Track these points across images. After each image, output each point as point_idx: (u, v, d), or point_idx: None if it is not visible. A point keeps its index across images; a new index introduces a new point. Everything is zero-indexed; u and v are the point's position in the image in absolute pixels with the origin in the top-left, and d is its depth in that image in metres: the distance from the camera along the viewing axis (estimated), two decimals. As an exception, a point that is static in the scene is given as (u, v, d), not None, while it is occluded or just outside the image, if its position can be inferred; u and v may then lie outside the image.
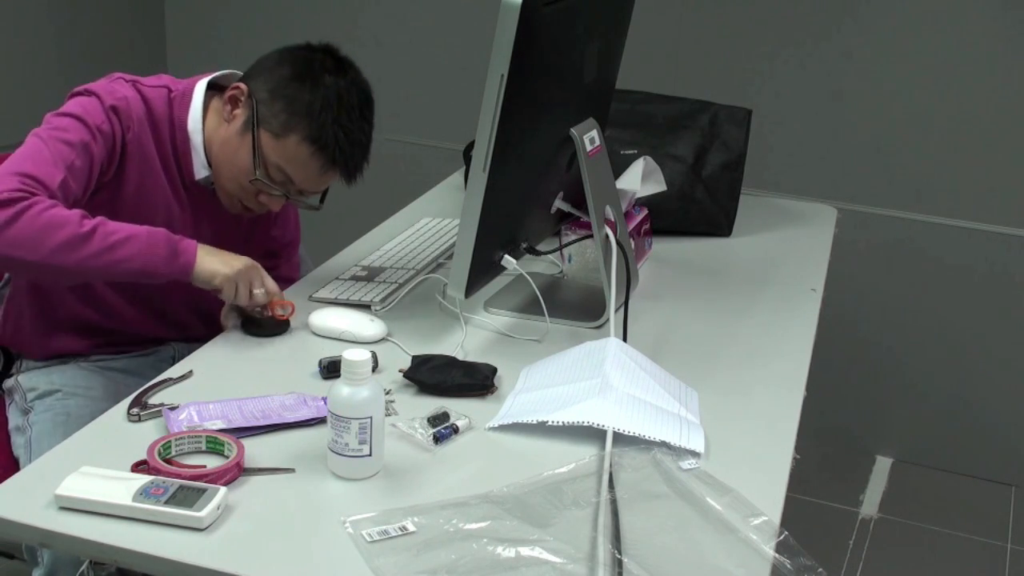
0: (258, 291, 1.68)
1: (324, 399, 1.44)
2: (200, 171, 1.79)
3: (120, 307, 1.85)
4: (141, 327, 1.90)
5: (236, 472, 1.33)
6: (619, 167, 1.98)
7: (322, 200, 1.85)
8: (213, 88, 1.81)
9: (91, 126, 1.67)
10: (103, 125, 1.68)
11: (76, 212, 1.58)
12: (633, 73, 2.29)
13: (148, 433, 1.42)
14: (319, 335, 1.72)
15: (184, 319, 1.91)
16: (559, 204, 1.83)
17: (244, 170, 1.74)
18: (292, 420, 1.45)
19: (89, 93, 1.71)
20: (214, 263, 1.65)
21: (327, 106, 1.71)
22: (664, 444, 1.41)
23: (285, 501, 1.30)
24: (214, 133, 1.78)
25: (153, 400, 1.50)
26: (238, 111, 1.75)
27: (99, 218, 1.60)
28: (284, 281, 1.99)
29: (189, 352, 1.68)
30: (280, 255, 2.03)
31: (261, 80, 1.75)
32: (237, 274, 1.66)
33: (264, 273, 1.70)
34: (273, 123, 1.72)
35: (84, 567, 1.49)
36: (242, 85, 1.75)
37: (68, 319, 1.85)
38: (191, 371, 1.60)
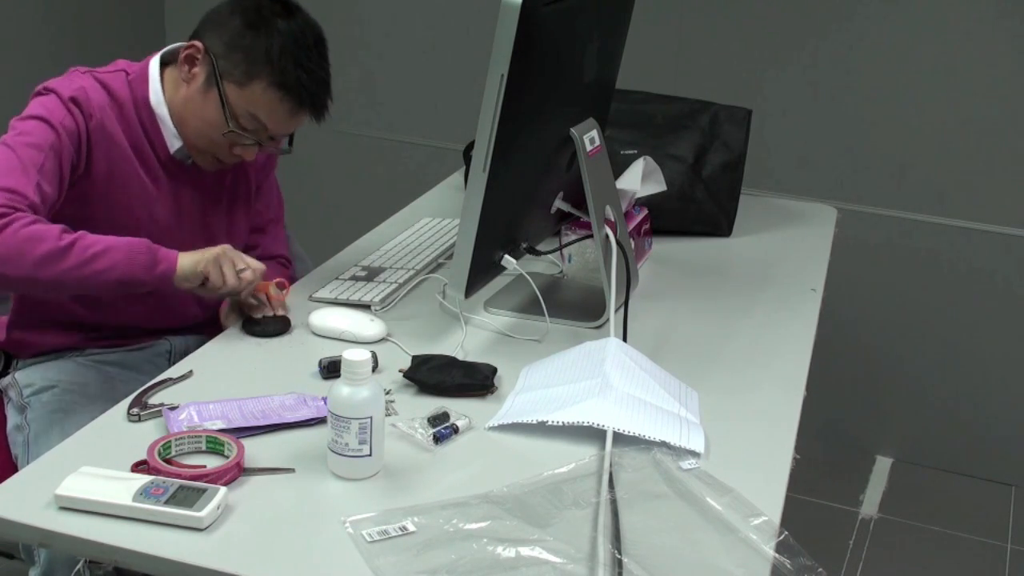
0: (246, 271, 1.68)
1: (324, 399, 1.44)
2: (173, 143, 1.80)
3: (116, 301, 1.85)
4: (138, 320, 1.90)
5: (236, 472, 1.33)
6: (619, 167, 1.98)
7: (290, 143, 1.86)
8: (165, 64, 1.82)
9: (55, 125, 1.67)
10: (65, 120, 1.69)
11: (56, 227, 1.59)
12: (633, 73, 2.29)
13: (148, 433, 1.42)
14: (319, 335, 1.72)
15: (183, 307, 1.90)
16: (559, 204, 1.83)
17: (214, 124, 1.75)
18: (292, 420, 1.45)
19: (48, 91, 1.72)
20: (193, 255, 1.66)
21: (285, 50, 1.72)
22: (664, 444, 1.41)
23: (285, 501, 1.30)
24: (174, 97, 1.78)
25: (153, 400, 1.50)
26: (196, 69, 1.76)
27: (80, 232, 1.61)
28: (271, 258, 2.00)
29: (185, 346, 1.68)
30: (265, 230, 2.03)
31: (214, 34, 1.76)
32: (218, 256, 1.66)
33: (242, 254, 1.71)
34: (235, 73, 1.73)
35: (80, 566, 1.49)
36: (196, 43, 1.76)
37: (62, 315, 1.85)
38: (191, 371, 1.60)
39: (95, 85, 1.75)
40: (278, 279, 1.77)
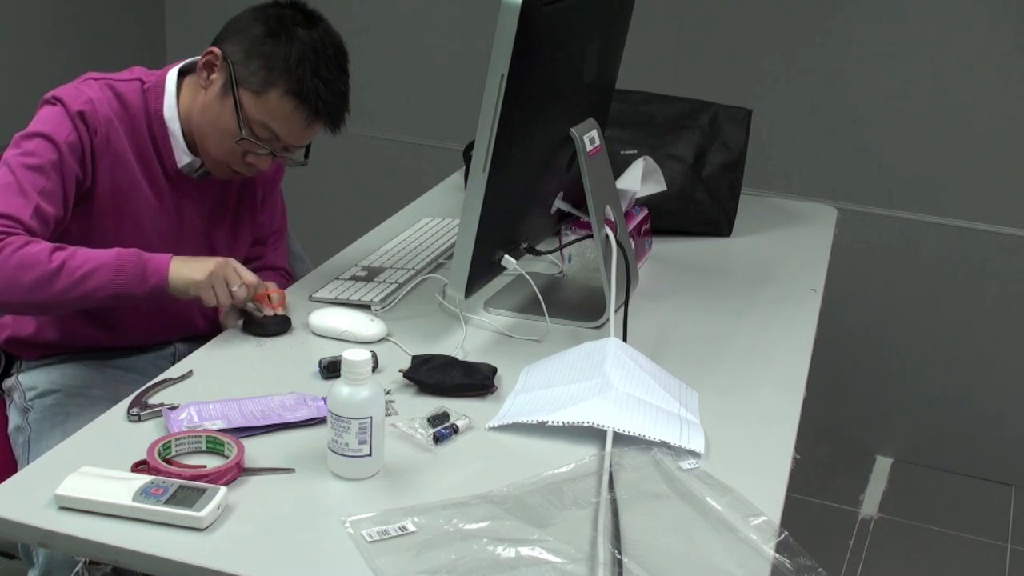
0: (238, 289, 1.68)
1: (324, 399, 1.44)
2: (182, 158, 1.79)
3: (120, 313, 1.84)
4: (143, 331, 1.89)
5: (236, 472, 1.33)
6: (619, 167, 1.98)
7: (306, 155, 1.86)
8: (184, 74, 1.81)
9: (59, 143, 1.67)
10: (70, 136, 1.68)
11: (46, 248, 1.59)
12: (633, 73, 2.29)
13: (148, 433, 1.42)
14: (319, 335, 1.72)
15: (187, 316, 1.90)
16: (559, 204, 1.83)
17: (229, 132, 1.74)
18: (292, 420, 1.45)
19: (56, 101, 1.71)
20: (186, 272, 1.65)
21: (304, 59, 1.71)
22: (664, 444, 1.41)
23: (285, 501, 1.30)
24: (191, 105, 1.77)
25: (153, 400, 1.50)
26: (214, 75, 1.75)
27: (69, 250, 1.61)
28: (272, 269, 2.00)
29: (190, 350, 1.68)
30: (267, 243, 2.02)
31: (234, 41, 1.75)
32: (210, 277, 1.65)
33: (239, 267, 1.70)
34: (252, 81, 1.72)
35: (79, 567, 1.49)
36: (215, 50, 1.75)
37: (67, 328, 1.85)
38: (191, 371, 1.60)
39: (106, 96, 1.73)
40: (275, 288, 1.75)
